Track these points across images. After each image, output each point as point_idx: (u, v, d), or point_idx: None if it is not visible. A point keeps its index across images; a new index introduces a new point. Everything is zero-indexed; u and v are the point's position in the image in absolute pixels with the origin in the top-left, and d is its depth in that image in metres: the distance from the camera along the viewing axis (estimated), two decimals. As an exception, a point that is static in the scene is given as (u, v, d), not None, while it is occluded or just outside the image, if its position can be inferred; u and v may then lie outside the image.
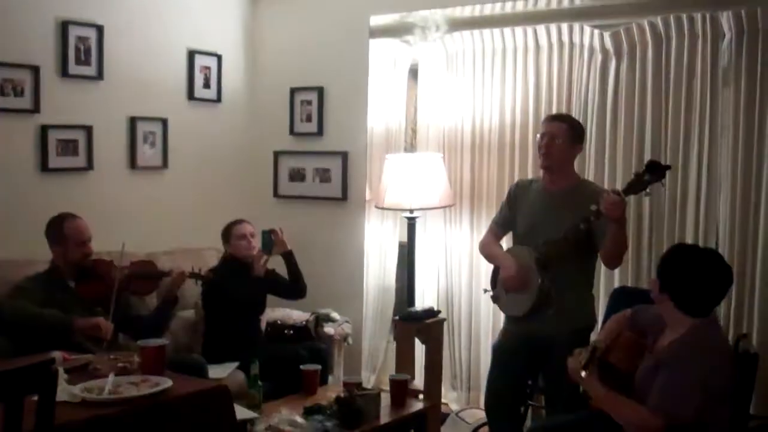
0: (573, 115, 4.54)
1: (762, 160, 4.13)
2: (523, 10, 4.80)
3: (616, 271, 4.44)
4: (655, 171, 3.35)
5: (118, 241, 4.16)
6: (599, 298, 4.42)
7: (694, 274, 2.97)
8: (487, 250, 4.04)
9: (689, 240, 4.28)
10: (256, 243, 4.73)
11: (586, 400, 3.22)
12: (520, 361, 3.89)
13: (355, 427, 3.59)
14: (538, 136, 3.81)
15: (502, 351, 3.98)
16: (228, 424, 3.07)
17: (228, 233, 4.74)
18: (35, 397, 2.42)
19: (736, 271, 4.15)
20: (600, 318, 4.02)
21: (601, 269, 4.42)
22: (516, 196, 3.98)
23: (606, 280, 4.53)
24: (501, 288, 3.91)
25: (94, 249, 4.13)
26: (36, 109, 4.48)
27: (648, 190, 3.39)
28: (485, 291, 4.12)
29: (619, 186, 3.85)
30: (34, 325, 3.68)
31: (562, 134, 3.75)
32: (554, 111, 4.66)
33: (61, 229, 4.02)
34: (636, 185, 3.38)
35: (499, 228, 4.05)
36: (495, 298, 4.00)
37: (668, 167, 3.43)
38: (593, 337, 3.60)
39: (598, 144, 4.59)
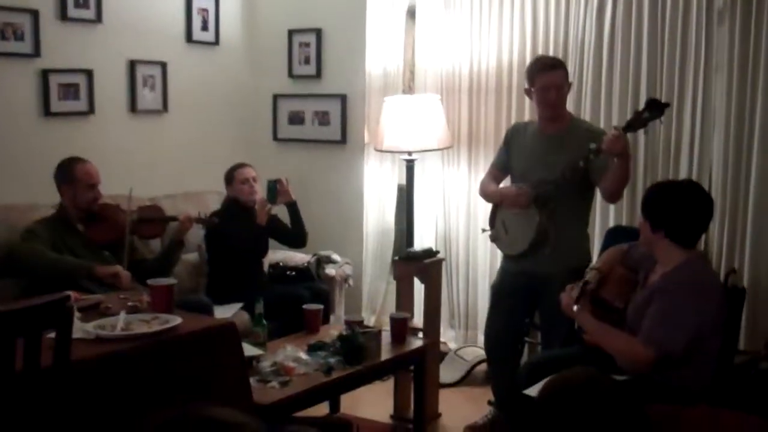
0: (570, 57, 4.61)
1: (755, 99, 4.20)
2: (520, -48, 4.82)
3: (612, 210, 4.56)
4: (654, 108, 3.44)
5: (121, 185, 4.24)
6: (594, 237, 4.53)
7: (681, 205, 3.09)
8: (486, 188, 4.15)
9: (683, 177, 4.37)
10: (259, 188, 4.80)
11: (580, 336, 3.34)
12: (518, 300, 4.01)
13: (357, 362, 3.70)
14: (535, 88, 3.84)
15: (499, 290, 4.10)
16: (236, 360, 3.17)
17: (230, 177, 4.82)
18: (52, 334, 2.53)
19: (729, 208, 4.29)
20: (595, 257, 4.13)
21: (596, 208, 4.53)
22: (513, 139, 4.07)
23: (601, 220, 4.63)
24: (500, 227, 4.02)
25: (97, 192, 4.20)
26: (36, 53, 4.52)
27: (647, 127, 3.48)
28: (483, 230, 4.22)
29: (616, 124, 3.92)
30: (53, 270, 3.76)
31: (565, 81, 3.84)
32: (551, 53, 4.70)
33: (72, 172, 4.08)
34: (636, 122, 3.47)
35: (497, 170, 4.15)
36: (493, 237, 4.10)
37: (667, 105, 3.52)
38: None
39: (594, 84, 4.65)
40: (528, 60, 4.80)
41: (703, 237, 4.23)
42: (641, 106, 4.23)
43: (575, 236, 3.91)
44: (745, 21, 4.19)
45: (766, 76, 4.16)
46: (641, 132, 3.57)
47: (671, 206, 3.09)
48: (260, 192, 4.83)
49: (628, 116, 4.32)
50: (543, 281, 3.81)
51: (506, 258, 4.10)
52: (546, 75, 3.82)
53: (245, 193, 4.78)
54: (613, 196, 3.89)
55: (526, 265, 3.91)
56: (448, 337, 5.29)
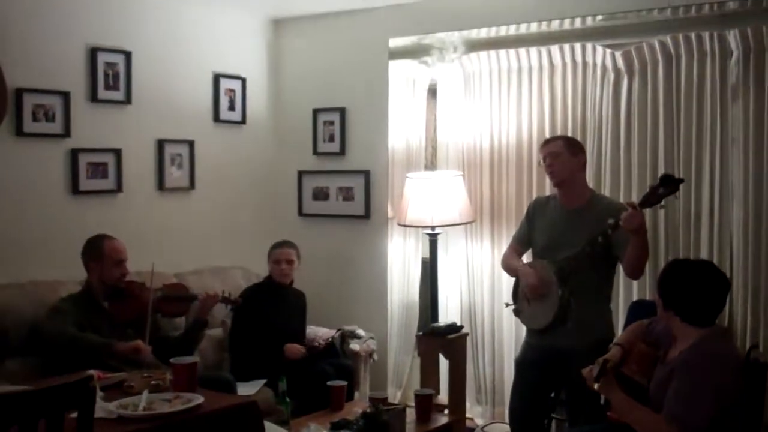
0: (588, 132, 4.65)
1: (773, 169, 4.22)
2: (537, 31, 4.92)
3: (635, 284, 4.52)
4: (668, 184, 3.45)
5: (147, 261, 4.27)
6: (617, 311, 4.50)
7: (692, 286, 3.08)
8: (508, 263, 4.16)
9: (704, 252, 4.36)
10: (291, 270, 4.81)
11: (605, 413, 3.28)
12: (542, 374, 3.97)
13: (381, 440, 3.67)
14: (541, 161, 3.98)
15: (524, 364, 4.06)
16: (257, 439, 3.15)
17: (269, 253, 4.86)
18: (74, 414, 2.52)
19: (751, 282, 4.25)
20: (618, 331, 4.08)
21: (620, 283, 4.50)
22: (534, 213, 4.10)
23: (624, 293, 4.60)
24: (523, 301, 4.01)
25: (123, 269, 4.24)
26: (67, 133, 4.62)
27: (663, 202, 3.49)
28: (507, 305, 4.20)
29: (635, 199, 3.92)
30: (75, 348, 3.77)
31: (560, 149, 3.91)
32: (569, 128, 4.77)
33: (100, 249, 4.13)
34: (651, 198, 3.49)
35: (519, 244, 4.16)
36: (517, 312, 4.09)
37: (681, 180, 3.54)
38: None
39: (613, 160, 4.69)
40: (548, 134, 4.87)
41: (727, 310, 4.18)
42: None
43: (598, 311, 3.89)
44: (759, 94, 4.24)
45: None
46: (658, 207, 3.56)
47: (681, 287, 3.10)
48: (293, 275, 4.84)
49: (647, 188, 4.36)
50: (566, 356, 3.77)
51: (529, 332, 4.07)
52: (543, 148, 4.01)
53: (276, 273, 4.80)
54: (633, 272, 3.87)
55: (548, 340, 3.88)
56: (475, 413, 5.23)
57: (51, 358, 3.84)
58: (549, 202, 4.09)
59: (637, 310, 4.19)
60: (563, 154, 3.89)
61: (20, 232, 4.44)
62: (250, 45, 5.70)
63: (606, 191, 4.62)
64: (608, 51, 4.69)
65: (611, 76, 4.69)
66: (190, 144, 5.28)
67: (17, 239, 4.42)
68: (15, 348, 4.01)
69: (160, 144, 5.12)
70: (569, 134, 4.59)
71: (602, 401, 3.32)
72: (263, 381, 4.46)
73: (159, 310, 4.27)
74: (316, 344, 4.85)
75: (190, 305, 4.43)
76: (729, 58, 4.33)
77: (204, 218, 5.37)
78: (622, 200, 4.48)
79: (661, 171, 4.49)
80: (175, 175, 5.21)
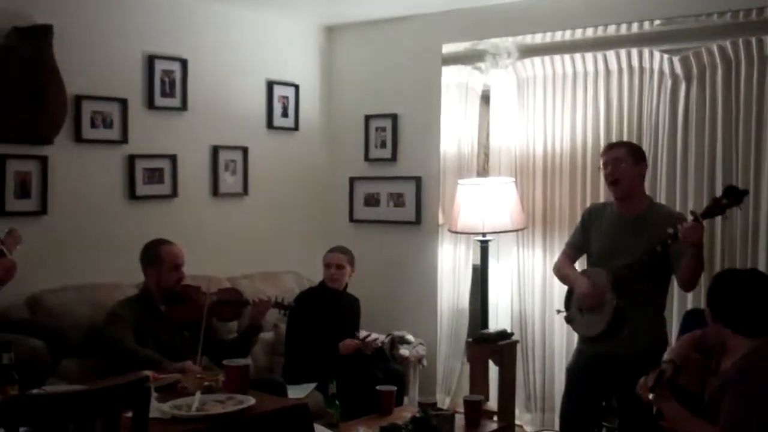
0: (644, 139, 4.60)
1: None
2: (592, 36, 4.89)
3: (690, 294, 4.45)
4: (733, 195, 3.43)
5: (201, 266, 4.34)
6: (671, 319, 4.44)
7: (739, 295, 3.01)
8: (562, 270, 4.13)
9: (762, 264, 4.27)
10: (345, 275, 4.84)
11: (659, 423, 3.25)
12: (594, 383, 3.94)
13: (430, 445, 3.68)
14: (601, 167, 3.92)
15: (575, 372, 4.03)
16: (308, 441, 3.19)
17: (323, 258, 4.90)
18: (130, 414, 2.58)
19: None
20: (672, 340, 4.04)
21: (674, 291, 4.44)
22: (590, 220, 4.07)
23: (679, 302, 4.54)
24: (575, 309, 3.98)
25: (179, 273, 4.31)
26: (124, 139, 4.73)
27: (726, 214, 3.44)
28: (558, 312, 4.18)
29: (696, 210, 3.87)
30: (132, 359, 3.82)
31: (624, 156, 3.85)
32: (625, 135, 4.72)
33: (158, 253, 4.21)
34: (714, 209, 3.46)
35: (573, 250, 4.13)
36: (569, 319, 4.06)
37: (746, 192, 3.51)
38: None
39: (669, 168, 4.62)
40: (602, 142, 4.82)
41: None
42: (717, 188, 4.22)
43: (651, 320, 3.85)
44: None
45: None
46: (719, 218, 3.52)
47: (728, 297, 3.03)
48: (345, 280, 4.86)
49: (704, 199, 4.32)
50: (619, 364, 3.74)
51: (582, 340, 4.05)
52: (605, 153, 3.95)
53: (326, 277, 4.85)
54: (687, 285, 3.84)
55: (601, 348, 3.86)
56: (525, 420, 5.20)
57: (108, 361, 3.93)
58: (605, 208, 4.06)
59: (691, 319, 4.12)
60: (626, 161, 3.84)
61: (79, 236, 4.55)
62: (303, 52, 5.76)
63: (662, 199, 4.56)
64: (666, 56, 4.63)
65: (668, 81, 4.62)
66: (244, 150, 5.35)
67: (76, 243, 4.53)
68: (72, 348, 4.08)
69: (215, 150, 5.20)
70: (625, 141, 4.55)
71: (655, 411, 3.29)
72: (314, 384, 4.49)
73: (214, 314, 4.32)
74: (374, 339, 4.82)
75: (243, 309, 4.47)
76: (790, 63, 4.25)
77: (257, 224, 5.44)
78: (678, 208, 4.42)
79: (719, 180, 4.43)
80: (229, 181, 5.29)
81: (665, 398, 3.14)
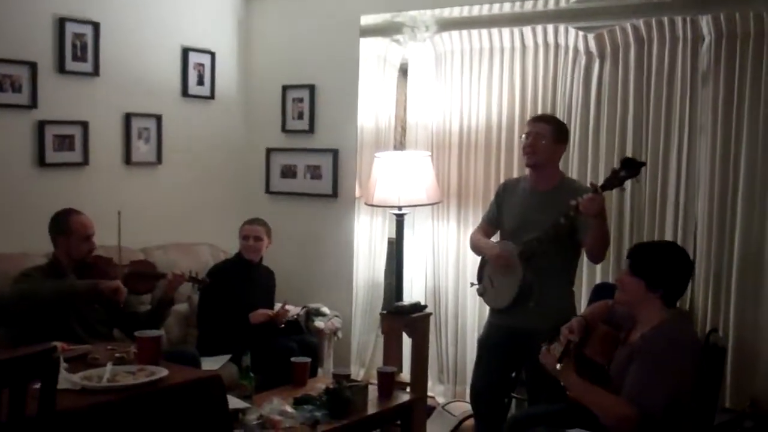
0: (558, 116, 4.70)
1: (738, 160, 4.28)
2: (510, 12, 4.93)
3: (598, 267, 4.59)
4: (630, 167, 3.51)
5: (113, 236, 4.27)
6: (580, 293, 4.58)
7: (675, 263, 3.18)
8: (475, 241, 4.21)
9: (668, 237, 4.43)
10: (262, 246, 4.84)
11: (565, 393, 3.36)
12: (503, 354, 4.03)
13: (343, 416, 3.71)
14: (523, 135, 3.96)
15: (485, 344, 4.12)
16: (221, 413, 3.19)
17: (239, 230, 4.88)
18: (38, 384, 2.55)
19: (714, 267, 4.33)
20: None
21: (583, 265, 4.58)
22: (503, 195, 4.14)
23: (588, 276, 4.68)
24: (487, 281, 4.06)
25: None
26: (33, 104, 4.60)
27: (624, 185, 3.55)
28: (472, 284, 4.26)
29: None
30: (59, 295, 3.76)
31: (547, 134, 3.90)
32: (539, 111, 4.80)
33: (67, 224, 4.11)
34: (612, 180, 3.55)
35: (487, 225, 4.20)
36: (481, 292, 4.14)
37: (643, 164, 3.61)
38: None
39: (581, 143, 4.73)
40: (517, 118, 4.92)
41: (688, 295, 4.29)
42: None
43: (560, 293, 3.94)
44: (729, 82, 4.29)
45: (749, 137, 4.25)
46: (620, 190, 3.63)
47: (671, 266, 3.16)
48: (262, 252, 4.86)
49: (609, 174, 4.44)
50: (527, 337, 3.83)
51: (492, 312, 4.13)
52: (529, 124, 4.02)
53: (244, 249, 4.84)
54: (594, 257, 3.95)
55: (510, 320, 3.95)
56: (437, 391, 5.30)
57: (17, 329, 3.84)
58: (519, 183, 4.13)
59: (601, 292, 4.26)
60: (547, 138, 3.89)
61: (-15, 204, 4.43)
62: (221, 18, 5.67)
63: (573, 175, 4.67)
64: (581, 33, 4.72)
65: (583, 59, 4.72)
66: (158, 118, 5.26)
67: (-18, 210, 4.41)
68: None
69: (128, 117, 5.10)
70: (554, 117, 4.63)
71: (561, 383, 3.41)
72: (228, 356, 4.50)
73: (126, 286, 4.27)
74: (286, 311, 4.84)
75: (156, 283, 4.43)
76: (701, 44, 4.37)
77: (171, 194, 5.37)
78: (588, 184, 4.55)
79: (629, 153, 4.54)
80: (143, 150, 5.21)
81: (568, 372, 3.25)
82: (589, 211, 3.56)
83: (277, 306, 4.83)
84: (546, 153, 3.91)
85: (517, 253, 3.85)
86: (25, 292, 3.84)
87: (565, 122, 4.24)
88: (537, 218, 3.84)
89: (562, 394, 3.43)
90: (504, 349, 4.00)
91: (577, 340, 3.29)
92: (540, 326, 3.74)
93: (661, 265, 3.17)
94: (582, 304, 4.43)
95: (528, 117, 4.74)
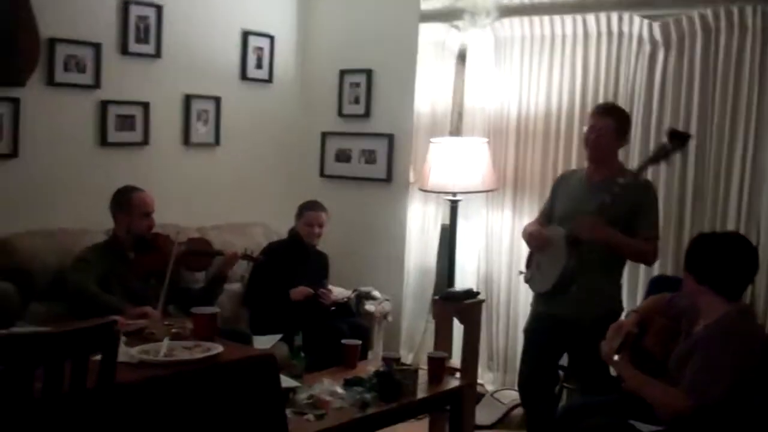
0: (619, 103, 4.63)
1: (805, 154, 4.19)
2: (572, -1, 4.88)
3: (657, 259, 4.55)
4: (676, 138, 3.52)
5: (171, 215, 4.36)
6: (638, 286, 4.55)
7: (730, 257, 3.09)
8: (525, 228, 4.20)
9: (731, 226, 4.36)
10: (322, 233, 4.91)
11: (619, 383, 3.35)
12: (548, 343, 3.99)
13: (392, 400, 3.72)
14: (586, 128, 3.92)
15: (531, 332, 4.11)
16: (273, 391, 3.23)
17: (300, 213, 4.92)
18: (98, 357, 2.63)
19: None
20: (628, 305, 4.13)
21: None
22: (559, 187, 4.12)
23: (645, 268, 4.62)
24: (534, 267, 4.05)
25: (149, 221, 4.32)
26: (97, 84, 4.69)
27: (669, 158, 3.58)
28: (520, 272, 4.25)
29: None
30: (93, 304, 3.86)
31: (611, 130, 3.85)
32: (600, 101, 4.71)
33: (129, 200, 4.20)
34: (659, 153, 3.57)
35: (543, 218, 4.17)
36: (527, 278, 4.13)
37: (689, 135, 3.61)
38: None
39: (643, 134, 4.65)
40: (577, 107, 4.87)
41: (750, 290, 4.22)
42: (689, 159, 4.30)
43: (605, 283, 3.88)
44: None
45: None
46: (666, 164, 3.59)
47: (717, 259, 3.09)
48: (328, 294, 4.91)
49: (676, 169, 4.39)
50: (569, 325, 3.81)
51: (536, 299, 4.10)
52: (593, 117, 3.93)
53: (307, 235, 4.89)
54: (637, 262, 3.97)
55: (552, 308, 3.92)
56: (486, 379, 5.29)
57: (74, 306, 3.96)
58: (575, 174, 4.09)
59: (657, 285, 4.18)
60: (609, 135, 3.84)
61: (49, 181, 4.54)
62: (280, 3, 5.72)
63: (634, 164, 4.62)
64: (645, 21, 4.64)
65: (647, 47, 4.64)
66: (217, 100, 5.33)
67: (46, 187, 4.52)
68: (40, 293, 4.13)
69: (188, 99, 5.18)
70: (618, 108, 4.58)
71: (615, 374, 3.40)
72: (279, 336, 4.55)
73: (182, 263, 4.36)
74: (331, 292, 4.92)
75: (212, 260, 4.51)
76: (770, 35, 4.26)
77: (227, 175, 5.44)
78: (650, 176, 4.51)
79: (692, 148, 4.46)
80: (201, 131, 5.28)
81: (624, 363, 3.24)
82: (582, 235, 3.61)
83: (342, 291, 4.90)
84: (608, 149, 3.88)
85: (564, 237, 3.83)
86: (71, 288, 3.97)
87: (627, 112, 4.19)
88: (587, 207, 3.77)
89: (611, 384, 3.42)
90: (548, 337, 3.97)
91: (636, 332, 3.27)
92: (582, 315, 3.72)
93: (706, 259, 3.11)
94: (638, 298, 4.39)
95: (589, 106, 4.68)
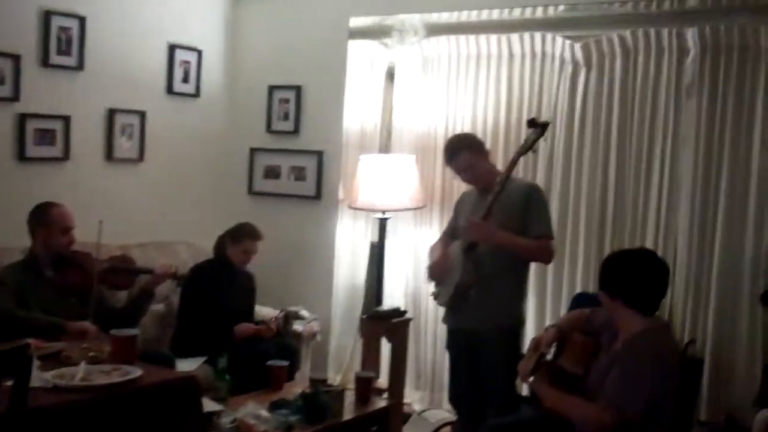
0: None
1: (720, 172, 4.35)
2: (498, 19, 4.97)
3: (578, 275, 4.65)
4: (534, 127, 3.68)
5: (92, 232, 4.28)
6: (560, 303, 4.64)
7: (636, 272, 3.17)
8: (431, 250, 4.26)
9: (649, 247, 4.47)
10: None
11: (539, 402, 3.39)
12: (464, 357, 4.04)
13: (318, 422, 3.71)
14: (455, 173, 4.05)
15: (450, 349, 4.20)
16: (195, 415, 3.20)
17: (239, 238, 4.79)
18: (10, 382, 2.56)
19: (693, 279, 4.39)
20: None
21: (564, 274, 4.64)
22: (459, 206, 4.22)
23: (568, 285, 4.71)
24: (440, 284, 4.09)
25: (68, 238, 4.23)
26: (15, 97, 4.58)
27: (534, 147, 3.71)
28: (431, 294, 4.25)
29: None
30: (23, 328, 3.66)
31: (471, 160, 3.96)
32: (525, 118, 4.78)
33: (48, 214, 4.10)
34: (525, 145, 3.71)
35: (446, 236, 4.26)
36: (435, 295, 4.15)
37: (547, 123, 3.77)
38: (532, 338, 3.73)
39: (566, 152, 4.78)
40: (502, 125, 4.95)
41: (668, 306, 4.33)
42: (609, 175, 4.44)
43: (506, 294, 3.92)
44: (712, 94, 4.36)
45: (731, 149, 4.32)
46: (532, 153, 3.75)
47: (626, 273, 3.18)
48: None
49: (597, 186, 4.51)
50: (472, 338, 3.89)
51: (445, 314, 4.15)
52: (450, 163, 4.04)
53: (240, 261, 4.81)
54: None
55: (455, 321, 4.02)
56: (414, 398, 5.31)
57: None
58: (472, 191, 4.16)
59: (579, 302, 4.27)
60: (474, 162, 3.94)
61: (-38, 197, 4.42)
62: (208, 16, 5.68)
63: (557, 185, 4.74)
64: (567, 42, 4.76)
65: (569, 68, 4.77)
66: (142, 115, 5.26)
67: (-41, 203, 4.40)
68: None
69: (111, 113, 5.09)
70: (523, 124, 4.64)
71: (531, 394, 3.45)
72: (203, 358, 4.48)
73: (105, 282, 4.27)
74: (270, 320, 4.87)
75: (136, 279, 4.43)
76: (686, 56, 4.43)
77: (152, 191, 5.36)
78: (572, 189, 4.63)
79: (613, 166, 4.63)
80: (125, 146, 5.20)
81: (542, 382, 3.29)
82: (471, 236, 3.73)
83: (270, 311, 4.86)
84: (482, 169, 3.97)
85: (462, 250, 3.87)
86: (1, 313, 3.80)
87: (549, 131, 4.25)
88: (479, 214, 3.83)
89: (517, 400, 3.48)
90: (463, 352, 4.02)
91: (547, 353, 3.33)
92: (483, 328, 3.80)
93: (616, 274, 3.20)
94: (562, 314, 4.47)
95: (513, 125, 4.84)
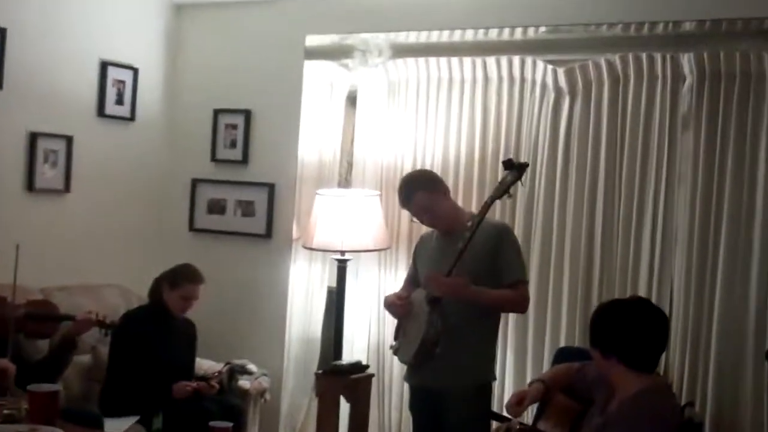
0: (522, 155, 4.73)
1: (721, 215, 4.36)
2: (473, 40, 5.01)
3: (562, 329, 4.64)
4: (511, 169, 3.67)
5: (8, 273, 4.19)
6: (543, 358, 4.62)
7: (634, 324, 3.12)
8: (386, 300, 4.23)
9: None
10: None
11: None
12: (429, 419, 4.01)
13: (267, 491, 3.67)
14: (413, 220, 4.06)
15: (412, 409, 4.18)
16: (124, 483, 3.13)
17: (177, 282, 4.69)
18: None
19: (690, 335, 4.40)
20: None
21: (547, 327, 4.63)
22: (418, 250, 4.22)
23: (551, 339, 4.70)
24: (402, 337, 4.07)
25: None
26: None
27: (510, 191, 3.70)
28: (390, 347, 4.23)
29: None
30: None
31: (428, 201, 3.96)
32: (502, 151, 4.87)
33: None
34: (500, 188, 3.69)
35: (408, 283, 4.24)
36: (395, 349, 4.13)
37: (526, 164, 3.77)
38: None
39: (547, 187, 4.80)
40: (477, 156, 4.96)
41: (663, 362, 4.33)
42: (597, 210, 4.50)
43: (476, 347, 3.91)
44: (711, 127, 4.39)
45: (732, 189, 4.35)
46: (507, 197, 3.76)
47: (621, 327, 3.14)
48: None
49: (584, 221, 4.53)
50: (438, 397, 3.87)
51: (407, 371, 4.14)
52: (406, 205, 4.04)
53: (178, 308, 4.73)
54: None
55: (421, 379, 3.99)
56: (377, 463, 5.26)
57: None
58: (432, 234, 4.16)
59: (562, 357, 4.28)
60: (432, 204, 3.95)
61: None
62: (146, 31, 5.66)
63: (539, 219, 4.75)
64: (550, 67, 4.81)
65: (551, 95, 4.80)
66: (68, 140, 5.20)
67: None
68: None
69: (33, 137, 5.03)
70: (501, 157, 4.67)
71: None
72: (136, 418, 4.40)
73: (22, 329, 4.19)
74: (213, 375, 4.80)
75: (58, 326, 4.36)
76: (681, 84, 4.48)
77: (79, 226, 5.30)
78: (555, 230, 4.63)
79: (600, 205, 4.64)
80: (48, 175, 5.13)
81: None
82: (433, 289, 3.75)
83: (212, 365, 4.74)
84: (443, 209, 3.99)
85: (425, 299, 3.86)
86: None
87: (530, 162, 4.28)
88: (444, 263, 3.81)
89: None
90: (426, 413, 4.01)
91: (518, 426, 3.33)
92: (450, 385, 3.80)
93: (609, 329, 3.16)
94: (544, 370, 4.45)
95: (489, 157, 4.87)
